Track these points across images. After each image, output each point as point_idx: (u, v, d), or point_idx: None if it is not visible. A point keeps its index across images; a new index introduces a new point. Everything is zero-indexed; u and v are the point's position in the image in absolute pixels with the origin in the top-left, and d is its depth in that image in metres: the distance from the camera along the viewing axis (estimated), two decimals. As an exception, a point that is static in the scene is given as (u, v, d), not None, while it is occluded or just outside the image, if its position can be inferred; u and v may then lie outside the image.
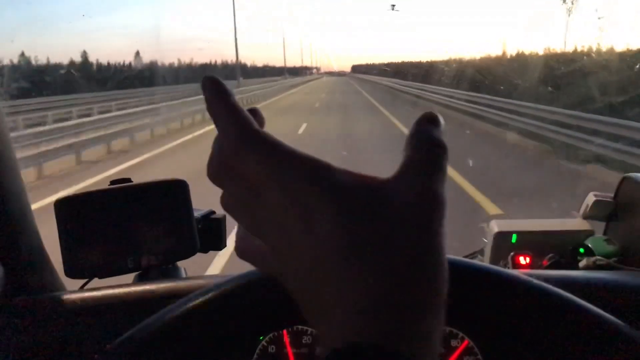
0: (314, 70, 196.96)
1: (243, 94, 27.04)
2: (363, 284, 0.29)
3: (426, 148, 0.34)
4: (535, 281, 0.55)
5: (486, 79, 16.10)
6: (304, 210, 0.31)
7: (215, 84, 0.33)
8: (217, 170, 0.34)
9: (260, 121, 0.36)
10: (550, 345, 0.54)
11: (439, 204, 0.32)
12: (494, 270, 0.57)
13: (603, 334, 0.51)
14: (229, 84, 0.34)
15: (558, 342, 0.53)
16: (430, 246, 0.31)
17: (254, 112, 0.36)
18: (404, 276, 0.30)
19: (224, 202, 0.36)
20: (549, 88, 12.91)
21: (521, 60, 17.97)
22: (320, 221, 0.30)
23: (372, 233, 0.30)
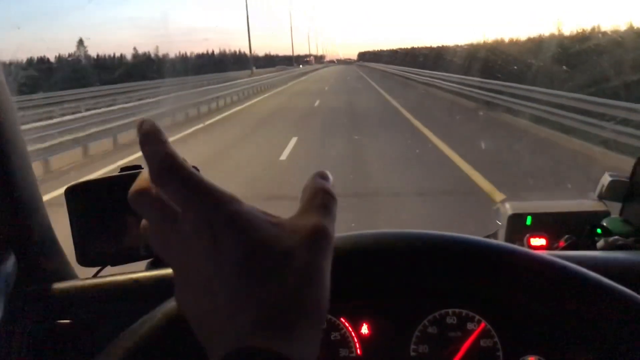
0: (311, 59, 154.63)
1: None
2: (258, 298, 0.35)
3: (319, 196, 0.41)
4: (563, 262, 0.54)
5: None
6: (212, 231, 0.36)
7: (147, 124, 0.39)
8: (139, 196, 0.39)
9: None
10: (572, 324, 0.53)
11: (326, 237, 0.38)
12: (518, 250, 0.56)
13: (630, 313, 0.50)
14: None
15: (582, 321, 0.52)
16: (315, 269, 0.37)
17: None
18: (291, 292, 0.36)
19: (142, 227, 0.41)
20: (564, 67, 12.68)
21: (535, 42, 17.84)
22: (225, 242, 0.36)
23: (269, 255, 0.36)
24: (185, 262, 0.38)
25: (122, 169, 0.91)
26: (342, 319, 0.80)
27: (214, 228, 0.36)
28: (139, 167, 0.91)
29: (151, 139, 0.38)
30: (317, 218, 0.39)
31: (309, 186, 0.42)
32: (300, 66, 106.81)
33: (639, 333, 0.49)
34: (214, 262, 0.36)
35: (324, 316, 0.37)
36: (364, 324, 0.79)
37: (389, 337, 0.79)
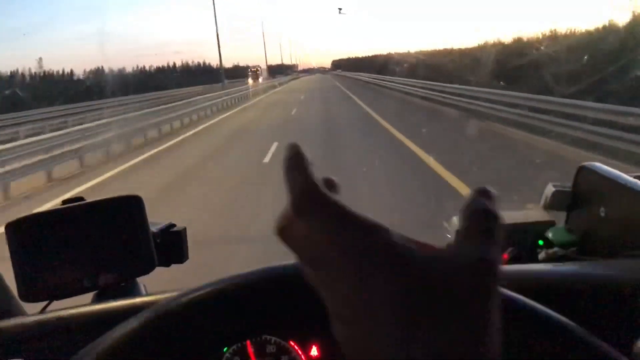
0: (258, 70, 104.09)
1: None
2: (414, 343, 0.30)
3: (480, 219, 0.35)
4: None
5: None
6: (359, 266, 0.32)
7: (292, 149, 0.36)
8: (283, 227, 0.36)
9: (335, 189, 0.38)
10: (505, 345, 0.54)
11: (491, 272, 0.33)
12: None
13: (551, 334, 0.51)
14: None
15: (510, 343, 0.53)
16: (481, 311, 0.32)
17: (329, 181, 0.39)
18: (454, 337, 0.30)
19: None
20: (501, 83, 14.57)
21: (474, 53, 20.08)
22: (376, 277, 0.32)
23: (425, 296, 0.31)
24: (333, 297, 0.34)
25: (64, 202, 0.90)
26: (290, 342, 0.80)
27: (361, 261, 0.32)
28: (81, 199, 0.90)
29: (293, 166, 0.36)
30: (478, 247, 0.34)
31: (469, 206, 0.36)
32: (250, 81, 75.26)
33: (567, 356, 0.50)
34: (362, 299, 0.32)
35: None
36: (313, 346, 0.79)
37: (338, 358, 0.79)
